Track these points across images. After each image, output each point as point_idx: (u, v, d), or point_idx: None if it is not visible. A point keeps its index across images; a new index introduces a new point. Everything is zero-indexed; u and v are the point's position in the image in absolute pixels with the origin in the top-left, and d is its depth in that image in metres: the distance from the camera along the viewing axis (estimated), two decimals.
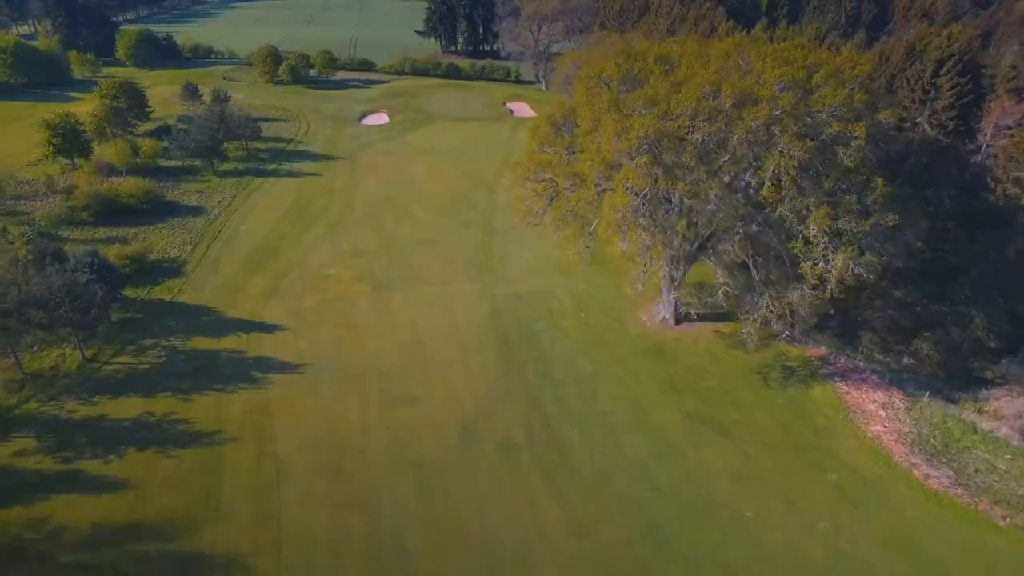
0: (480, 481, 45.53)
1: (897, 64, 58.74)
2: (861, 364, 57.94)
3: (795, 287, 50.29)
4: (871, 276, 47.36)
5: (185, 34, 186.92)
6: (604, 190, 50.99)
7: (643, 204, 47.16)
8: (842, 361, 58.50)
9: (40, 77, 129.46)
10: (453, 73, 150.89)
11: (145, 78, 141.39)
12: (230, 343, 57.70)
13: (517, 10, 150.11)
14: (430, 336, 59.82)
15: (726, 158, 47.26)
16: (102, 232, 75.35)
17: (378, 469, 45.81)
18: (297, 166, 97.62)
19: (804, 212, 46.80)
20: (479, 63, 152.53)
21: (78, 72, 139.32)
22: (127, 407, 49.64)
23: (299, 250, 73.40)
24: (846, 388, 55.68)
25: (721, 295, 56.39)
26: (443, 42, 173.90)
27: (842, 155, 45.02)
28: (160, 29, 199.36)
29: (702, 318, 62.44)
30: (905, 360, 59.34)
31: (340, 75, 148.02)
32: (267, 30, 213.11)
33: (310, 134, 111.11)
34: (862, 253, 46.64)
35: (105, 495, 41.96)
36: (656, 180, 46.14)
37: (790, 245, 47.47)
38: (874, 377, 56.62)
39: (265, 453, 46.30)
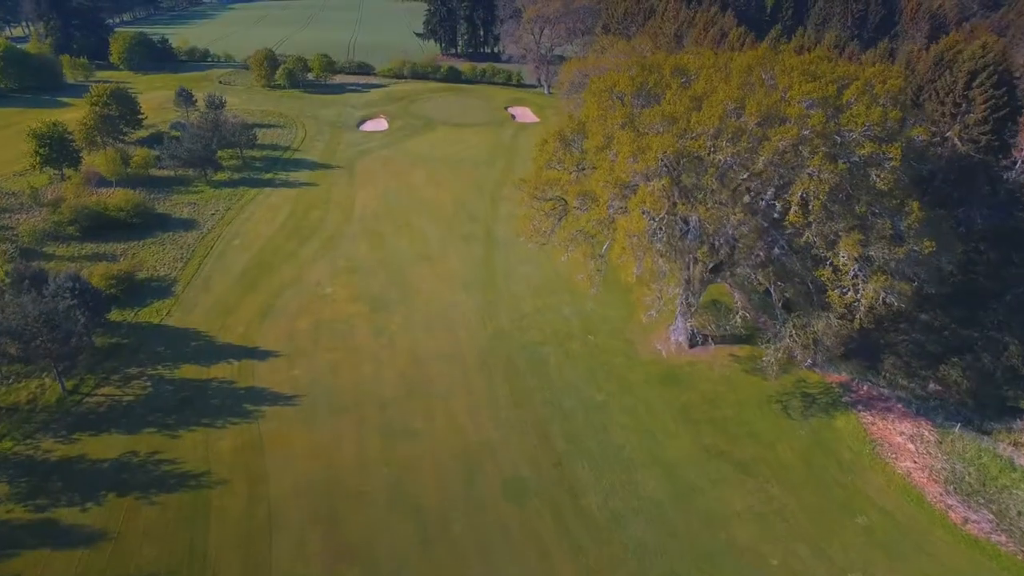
0: (485, 526, 42.12)
1: (925, 75, 55.25)
2: (885, 391, 54.53)
3: (820, 315, 46.81)
4: (902, 304, 43.86)
5: (182, 36, 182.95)
6: (618, 210, 47.41)
7: (659, 228, 43.59)
8: (865, 388, 55.09)
9: (30, 82, 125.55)
10: (453, 76, 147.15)
11: (139, 82, 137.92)
12: (220, 371, 54.14)
13: (518, 12, 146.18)
14: (431, 361, 56.32)
15: (749, 180, 43.71)
16: (89, 248, 71.70)
17: (376, 513, 42.34)
18: (293, 175, 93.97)
19: (832, 237, 43.33)
20: (480, 66, 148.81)
21: (70, 76, 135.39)
22: (109, 445, 46.09)
23: (294, 267, 69.81)
24: (871, 418, 52.28)
25: (739, 319, 52.88)
26: (443, 44, 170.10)
27: (875, 177, 41.52)
28: (157, 31, 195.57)
29: (716, 340, 59.03)
30: (931, 386, 55.86)
31: (338, 79, 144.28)
32: (265, 31, 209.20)
33: (307, 141, 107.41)
34: (892, 279, 43.12)
35: (80, 549, 38.42)
36: (674, 203, 42.58)
37: (817, 273, 43.96)
38: (900, 406, 53.21)
39: (256, 497, 42.79)
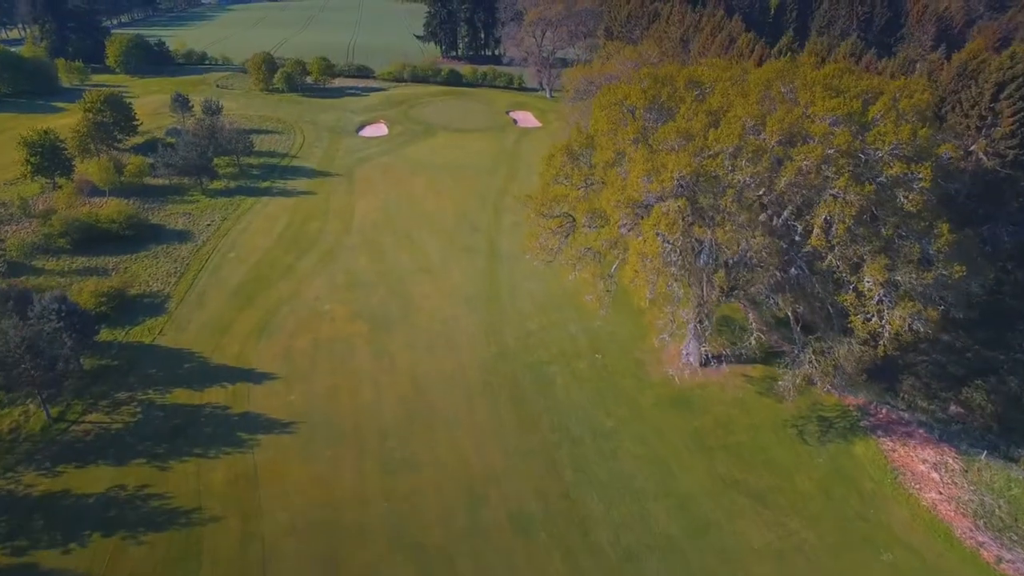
0: (491, 565, 39.74)
1: (947, 86, 52.79)
2: (905, 415, 52.13)
3: (842, 340, 44.37)
4: (929, 331, 41.42)
5: (180, 38, 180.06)
6: (629, 230, 44.92)
7: (674, 251, 41.11)
8: (884, 412, 52.66)
9: (25, 86, 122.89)
10: (454, 80, 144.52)
11: (136, 86, 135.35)
12: (214, 396, 51.66)
13: (520, 15, 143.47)
14: (433, 384, 53.86)
15: (767, 197, 41.23)
16: (80, 262, 69.18)
17: (377, 552, 39.92)
18: (291, 184, 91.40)
19: (855, 260, 40.87)
20: (480, 69, 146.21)
21: (66, 80, 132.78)
22: (95, 478, 43.61)
23: (291, 282, 67.29)
24: (891, 444, 49.86)
25: (753, 341, 50.41)
26: (443, 47, 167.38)
27: (902, 198, 39.05)
28: (155, 32, 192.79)
29: (728, 359, 56.55)
30: (952, 408, 53.45)
31: (337, 82, 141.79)
32: (264, 33, 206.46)
33: (305, 147, 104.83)
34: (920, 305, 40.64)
35: None
36: (690, 225, 40.10)
37: (839, 298, 41.49)
38: (921, 431, 50.80)
39: (249, 535, 40.33)
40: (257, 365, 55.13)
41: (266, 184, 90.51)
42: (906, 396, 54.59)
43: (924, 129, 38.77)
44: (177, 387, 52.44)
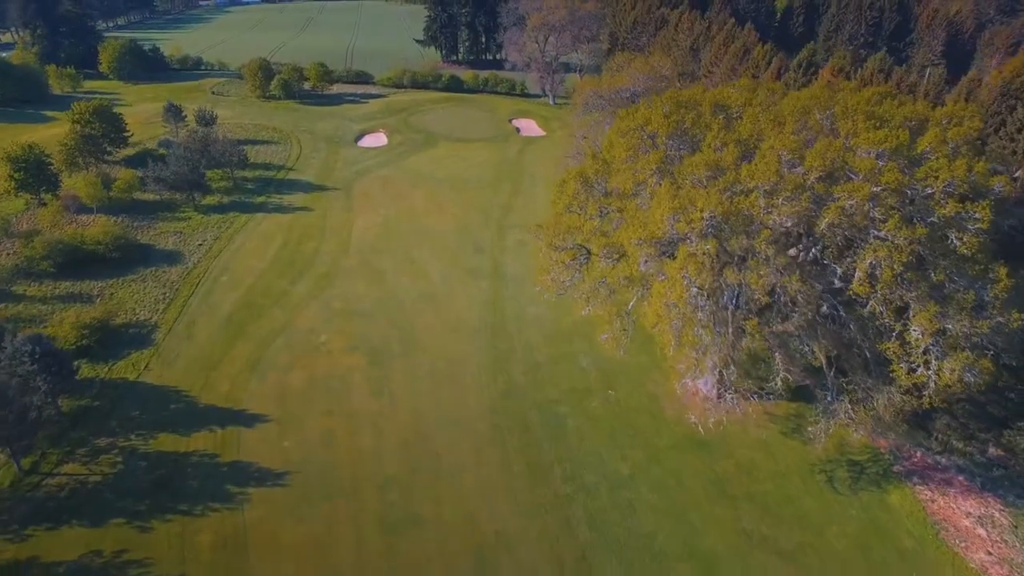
0: None
1: (990, 106, 48.83)
2: (942, 460, 48.19)
3: (881, 389, 40.36)
4: (982, 382, 37.46)
5: (176, 41, 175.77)
6: (651, 268, 40.86)
7: (702, 295, 37.08)
8: (918, 455, 48.75)
9: (13, 94, 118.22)
10: (455, 86, 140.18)
11: (129, 93, 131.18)
12: (201, 442, 47.58)
13: (522, 19, 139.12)
14: (437, 427, 49.83)
15: (799, 234, 37.21)
16: (63, 287, 65.02)
17: None
18: (287, 199, 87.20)
19: (901, 304, 36.86)
20: (482, 75, 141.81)
21: (57, 87, 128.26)
22: (68, 542, 39.54)
23: (286, 310, 63.17)
24: (929, 493, 45.93)
25: (780, 382, 46.32)
26: (444, 52, 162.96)
27: (955, 240, 35.05)
28: (151, 36, 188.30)
29: (749, 395, 52.52)
30: (991, 451, 49.57)
31: (336, 88, 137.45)
32: (262, 36, 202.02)
33: (302, 159, 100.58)
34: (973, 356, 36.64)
35: None
36: (720, 269, 36.06)
37: (882, 347, 37.49)
38: (961, 478, 46.89)
39: None
40: (248, 406, 51.06)
41: (261, 199, 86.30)
42: (940, 436, 50.66)
43: (980, 163, 34.73)
44: (162, 431, 48.36)
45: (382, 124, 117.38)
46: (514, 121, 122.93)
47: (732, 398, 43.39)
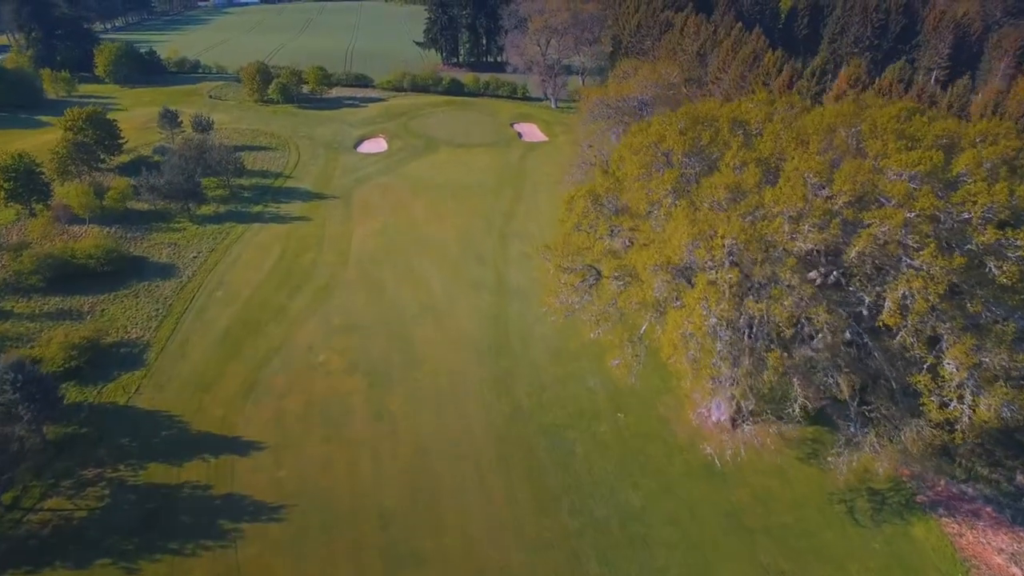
0: None
1: (1019, 119, 46.50)
2: (969, 491, 45.87)
3: (908, 421, 38.00)
4: (1020, 417, 35.12)
5: (175, 43, 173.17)
6: (665, 294, 38.44)
7: (721, 326, 34.69)
8: (942, 484, 46.40)
9: (7, 99, 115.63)
10: (455, 89, 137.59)
11: (125, 97, 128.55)
12: (194, 472, 45.18)
13: (523, 22, 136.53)
14: (439, 454, 47.44)
15: (831, 268, 34.83)
16: (53, 302, 62.58)
17: None
18: (285, 208, 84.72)
19: (933, 335, 34.50)
20: (483, 78, 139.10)
21: (51, 92, 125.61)
22: None
23: (283, 326, 60.75)
24: (956, 526, 43.58)
25: (797, 409, 43.95)
26: (444, 54, 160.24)
27: (994, 269, 32.67)
28: (149, 38, 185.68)
29: (762, 417, 50.16)
30: (1019, 478, 47.28)
31: (335, 92, 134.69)
32: (260, 38, 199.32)
33: (300, 166, 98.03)
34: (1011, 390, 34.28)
35: None
36: (742, 299, 33.67)
37: (912, 379, 35.13)
38: (989, 509, 44.55)
39: None
40: (243, 432, 48.66)
41: (258, 208, 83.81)
42: (964, 462, 48.37)
43: (1021, 186, 32.31)
44: (153, 460, 45.97)
45: (382, 129, 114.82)
46: (516, 125, 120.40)
47: (749, 429, 40.95)
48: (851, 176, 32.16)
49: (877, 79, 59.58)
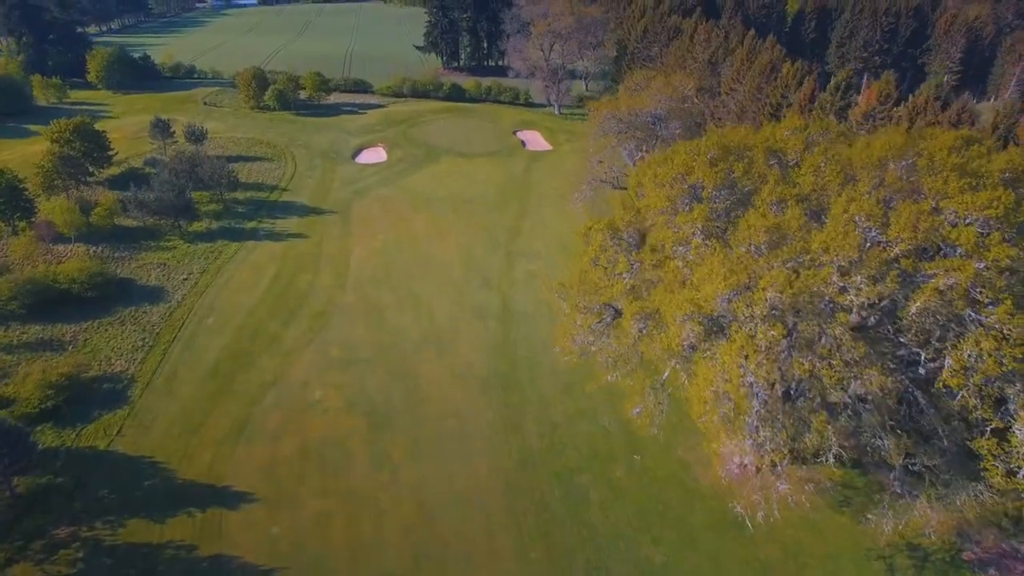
0: None
1: None
2: (1022, 549, 41.94)
3: (965, 485, 34.06)
4: None
5: (171, 46, 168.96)
6: (695, 343, 34.46)
7: (758, 384, 30.70)
8: (991, 538, 42.39)
9: None
10: (456, 95, 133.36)
11: (118, 104, 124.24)
12: (178, 530, 41.15)
13: (526, 25, 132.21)
14: (445, 508, 43.43)
15: (873, 311, 30.84)
16: (33, 331, 58.52)
17: None
18: (280, 224, 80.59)
19: (1000, 396, 30.55)
20: (484, 83, 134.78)
21: (42, 98, 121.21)
22: None
23: (277, 358, 56.72)
24: None
25: (832, 459, 39.97)
26: (444, 58, 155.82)
27: None
28: (146, 41, 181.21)
29: (789, 460, 46.19)
30: None
31: (333, 98, 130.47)
32: (258, 41, 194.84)
33: (297, 178, 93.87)
34: None
35: None
36: (787, 357, 29.68)
37: (974, 444, 31.18)
38: None
39: None
40: (233, 481, 44.63)
41: (252, 225, 79.67)
42: (1012, 513, 44.40)
43: None
44: (133, 515, 41.94)
45: (381, 137, 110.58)
46: (519, 133, 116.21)
47: (784, 488, 37.02)
48: (911, 221, 28.14)
49: (911, 96, 55.48)
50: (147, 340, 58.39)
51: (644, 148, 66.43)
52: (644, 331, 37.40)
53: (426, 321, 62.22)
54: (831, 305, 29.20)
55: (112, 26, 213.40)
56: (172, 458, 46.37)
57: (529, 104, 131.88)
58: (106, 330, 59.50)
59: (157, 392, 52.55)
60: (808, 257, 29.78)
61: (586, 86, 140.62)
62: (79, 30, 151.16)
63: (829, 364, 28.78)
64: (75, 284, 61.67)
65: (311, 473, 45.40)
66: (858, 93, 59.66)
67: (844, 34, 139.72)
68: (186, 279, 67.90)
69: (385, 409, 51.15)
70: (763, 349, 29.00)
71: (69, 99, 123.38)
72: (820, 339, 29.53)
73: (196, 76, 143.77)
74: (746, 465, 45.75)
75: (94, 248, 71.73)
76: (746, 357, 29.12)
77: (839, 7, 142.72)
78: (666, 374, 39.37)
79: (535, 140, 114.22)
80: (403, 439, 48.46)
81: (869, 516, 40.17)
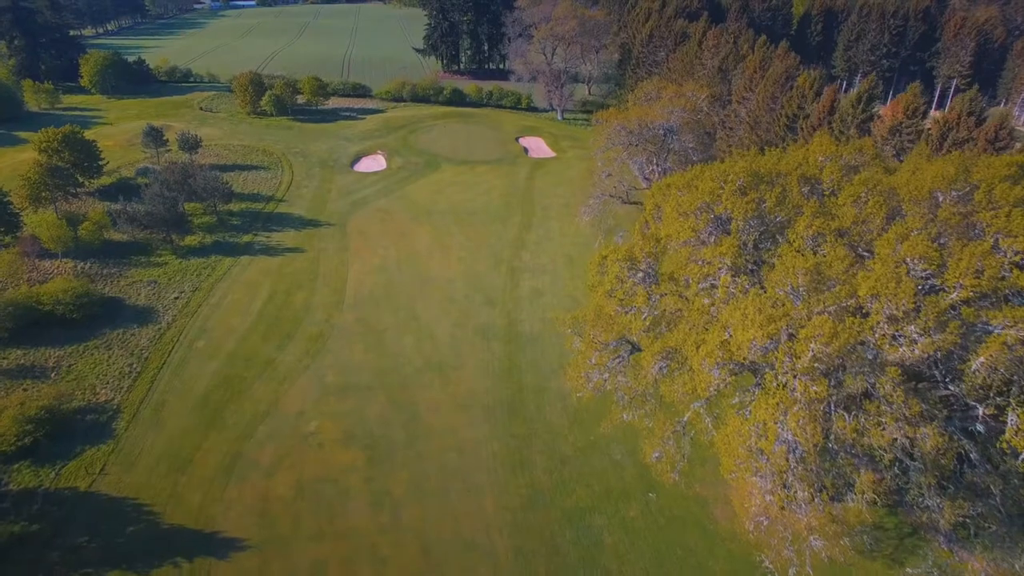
0: None
1: None
2: None
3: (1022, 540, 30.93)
4: None
5: (168, 48, 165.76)
6: (724, 389, 31.27)
7: (798, 446, 27.52)
8: None
9: None
10: (457, 99, 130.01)
11: (111, 109, 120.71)
12: None
13: (528, 29, 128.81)
14: (449, 554, 40.28)
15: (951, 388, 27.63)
16: (14, 356, 55.25)
17: None
18: (276, 237, 77.28)
19: None
20: (486, 88, 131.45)
21: (33, 104, 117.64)
22: None
23: (271, 384, 53.50)
24: None
25: (862, 501, 36.76)
26: (444, 61, 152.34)
27: None
28: (142, 43, 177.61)
29: (813, 494, 43.06)
30: None
31: (331, 102, 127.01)
32: (256, 43, 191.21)
33: (293, 188, 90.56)
34: None
35: None
36: (831, 414, 26.50)
37: None
38: None
39: None
40: (223, 525, 41.41)
41: (247, 239, 76.35)
42: None
43: None
44: (115, 567, 38.70)
45: (381, 144, 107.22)
46: (521, 140, 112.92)
47: (817, 544, 33.84)
48: (973, 265, 24.93)
49: (941, 111, 52.23)
50: (134, 365, 55.13)
51: (655, 161, 63.09)
52: (665, 370, 34.21)
53: (428, 344, 59.02)
54: (875, 351, 26.03)
55: (109, 28, 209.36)
56: (158, 499, 43.12)
57: (531, 108, 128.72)
58: (92, 354, 56.24)
59: (144, 424, 49.29)
60: (853, 302, 26.59)
61: (588, 90, 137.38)
62: (72, 33, 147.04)
63: (879, 422, 25.61)
64: (60, 305, 58.36)
65: (306, 514, 42.17)
66: (878, 102, 56.04)
67: (851, 37, 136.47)
68: (178, 297, 64.61)
69: (385, 442, 47.95)
70: (803, 404, 25.82)
71: (62, 104, 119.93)
72: (868, 397, 26.37)
73: (192, 80, 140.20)
74: (767, 501, 42.65)
75: (82, 264, 68.42)
76: (785, 415, 25.93)
77: (846, 9, 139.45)
78: (687, 416, 36.16)
79: (538, 147, 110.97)
80: (404, 474, 45.29)
81: (909, 571, 37.04)
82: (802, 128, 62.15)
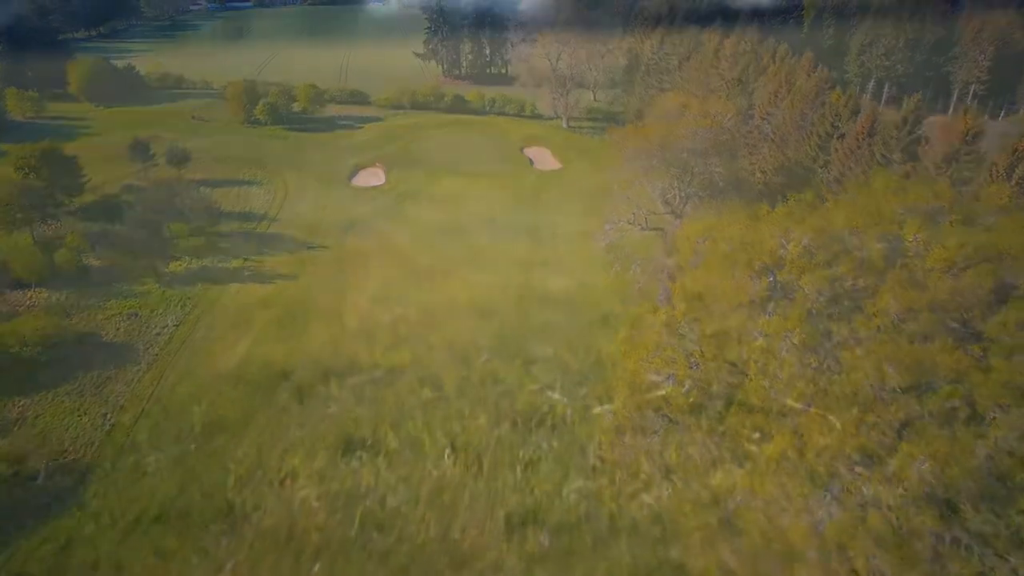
0: None
1: None
2: None
3: None
4: None
5: (163, 51, 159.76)
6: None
7: None
8: None
9: None
10: (458, 106, 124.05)
11: (98, 118, 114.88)
12: None
13: (531, 33, 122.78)
14: None
15: None
16: None
17: None
18: (268, 261, 71.36)
19: None
20: (488, 94, 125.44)
21: (16, 112, 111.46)
22: None
23: (254, 439, 47.65)
24: None
25: None
26: (445, 66, 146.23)
27: None
28: (136, 47, 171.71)
29: None
30: None
31: (329, 110, 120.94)
32: (253, 45, 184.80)
33: (287, 205, 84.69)
34: None
35: None
36: (940, 555, 20.78)
37: None
38: None
39: None
40: None
41: (236, 264, 70.38)
42: None
43: None
44: None
45: (379, 156, 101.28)
46: (526, 150, 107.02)
47: None
48: None
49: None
50: (109, 414, 49.36)
51: (677, 186, 57.30)
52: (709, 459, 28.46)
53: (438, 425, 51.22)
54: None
55: (102, 30, 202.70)
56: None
57: (535, 116, 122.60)
58: (62, 401, 50.50)
59: (115, 486, 43.46)
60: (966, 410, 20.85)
61: (594, 96, 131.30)
62: (63, 36, 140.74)
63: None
64: (26, 348, 52.59)
65: None
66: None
67: (865, 42, 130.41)
68: (159, 333, 58.81)
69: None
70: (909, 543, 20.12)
71: (48, 113, 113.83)
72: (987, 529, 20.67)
73: (185, 87, 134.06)
74: None
75: (57, 295, 62.71)
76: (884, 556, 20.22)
77: (858, 12, 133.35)
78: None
79: (544, 158, 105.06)
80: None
81: None
82: (836, 149, 56.35)
